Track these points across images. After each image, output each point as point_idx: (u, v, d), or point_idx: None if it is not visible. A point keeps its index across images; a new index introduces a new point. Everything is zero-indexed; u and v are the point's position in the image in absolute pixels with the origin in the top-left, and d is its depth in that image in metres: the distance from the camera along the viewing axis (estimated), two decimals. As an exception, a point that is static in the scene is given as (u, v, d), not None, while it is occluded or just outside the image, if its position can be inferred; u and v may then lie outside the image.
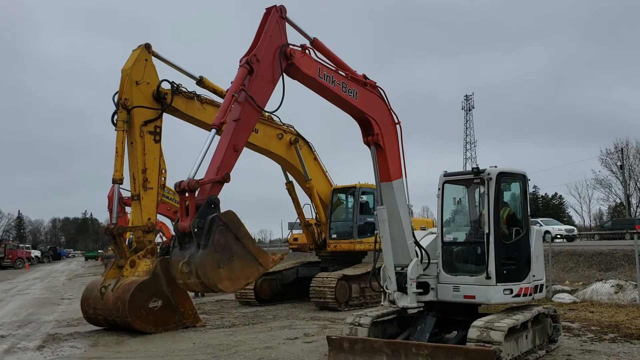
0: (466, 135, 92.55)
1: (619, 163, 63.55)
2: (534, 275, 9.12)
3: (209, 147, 7.18)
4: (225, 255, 6.71)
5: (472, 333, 7.79)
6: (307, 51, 8.28)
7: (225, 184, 7.03)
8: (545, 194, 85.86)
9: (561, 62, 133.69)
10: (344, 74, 8.71)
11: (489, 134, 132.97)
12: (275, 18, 8.02)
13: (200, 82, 14.55)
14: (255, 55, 7.66)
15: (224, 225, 6.72)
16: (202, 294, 21.33)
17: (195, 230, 6.55)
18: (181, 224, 6.71)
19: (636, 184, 65.05)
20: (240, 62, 7.67)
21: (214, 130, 7.22)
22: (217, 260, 6.64)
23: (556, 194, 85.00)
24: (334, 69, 8.62)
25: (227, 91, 7.69)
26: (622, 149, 63.20)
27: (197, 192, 6.82)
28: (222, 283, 6.67)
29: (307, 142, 17.33)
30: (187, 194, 6.75)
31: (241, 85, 7.48)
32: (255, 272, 7.13)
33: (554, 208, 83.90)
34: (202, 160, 7.05)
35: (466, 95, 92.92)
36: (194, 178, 6.77)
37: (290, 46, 8.03)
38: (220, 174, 6.98)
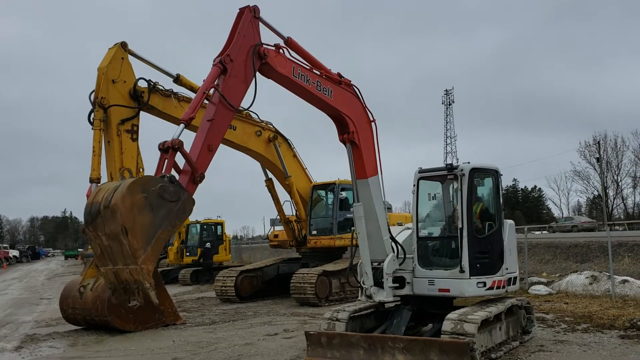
0: (446, 130, 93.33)
1: (596, 155, 64.51)
2: (507, 268, 9.32)
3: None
4: (157, 210, 6.33)
5: (446, 325, 7.94)
6: (281, 50, 8.34)
7: (199, 184, 7.10)
8: (525, 186, 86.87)
9: (520, 45, 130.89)
10: (318, 73, 8.79)
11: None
12: (248, 18, 8.07)
13: (177, 79, 14.50)
14: (229, 55, 7.71)
15: (181, 206, 6.59)
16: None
17: (165, 178, 6.59)
18: None
19: (613, 176, 66.26)
20: (213, 62, 7.72)
21: (182, 125, 7.28)
22: (149, 202, 6.23)
23: (535, 186, 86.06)
24: (308, 67, 8.69)
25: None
26: (599, 142, 64.24)
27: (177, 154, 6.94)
28: (124, 204, 6.17)
29: (286, 139, 17.36)
30: (168, 153, 6.86)
31: (213, 83, 7.53)
32: (138, 249, 6.25)
33: (533, 201, 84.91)
34: (182, 130, 7.15)
35: (446, 90, 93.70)
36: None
37: (264, 45, 8.09)
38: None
